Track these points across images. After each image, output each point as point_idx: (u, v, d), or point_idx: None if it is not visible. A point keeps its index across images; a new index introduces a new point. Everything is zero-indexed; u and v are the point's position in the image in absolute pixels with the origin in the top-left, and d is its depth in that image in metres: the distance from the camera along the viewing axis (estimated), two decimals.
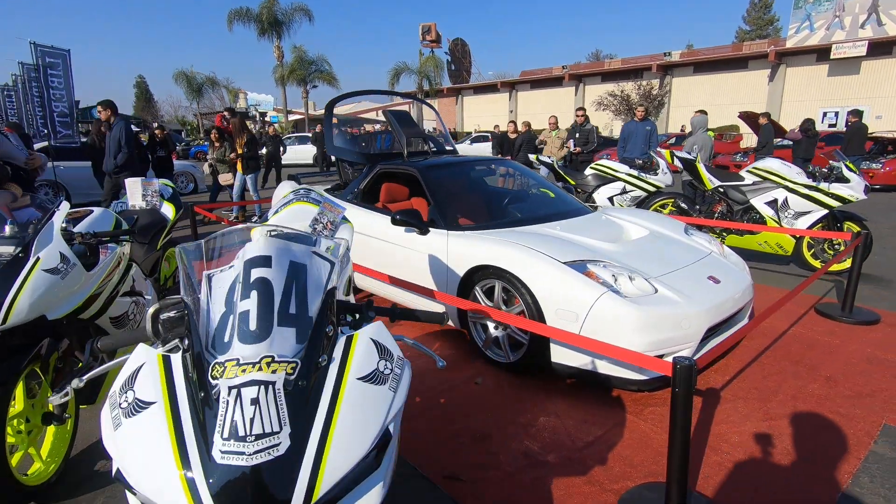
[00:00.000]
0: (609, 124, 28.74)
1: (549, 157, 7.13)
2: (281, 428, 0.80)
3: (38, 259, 1.93)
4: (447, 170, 4.09)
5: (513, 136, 10.99)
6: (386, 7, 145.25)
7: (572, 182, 6.64)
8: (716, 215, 5.16)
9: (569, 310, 2.67)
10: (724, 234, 5.10)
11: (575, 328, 2.65)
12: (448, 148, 5.35)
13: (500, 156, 10.29)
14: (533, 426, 2.49)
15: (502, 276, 2.93)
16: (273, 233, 1.00)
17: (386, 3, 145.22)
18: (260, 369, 0.82)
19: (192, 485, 0.76)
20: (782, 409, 2.59)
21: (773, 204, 4.87)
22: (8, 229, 2.11)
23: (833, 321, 3.73)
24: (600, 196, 6.39)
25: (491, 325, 3.11)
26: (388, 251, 3.80)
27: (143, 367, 0.89)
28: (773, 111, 24.45)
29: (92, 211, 2.54)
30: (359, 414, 0.87)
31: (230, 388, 0.81)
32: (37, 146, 9.94)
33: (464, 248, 3.21)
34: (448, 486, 2.08)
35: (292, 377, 0.85)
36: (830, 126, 22.16)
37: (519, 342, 2.96)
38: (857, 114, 9.92)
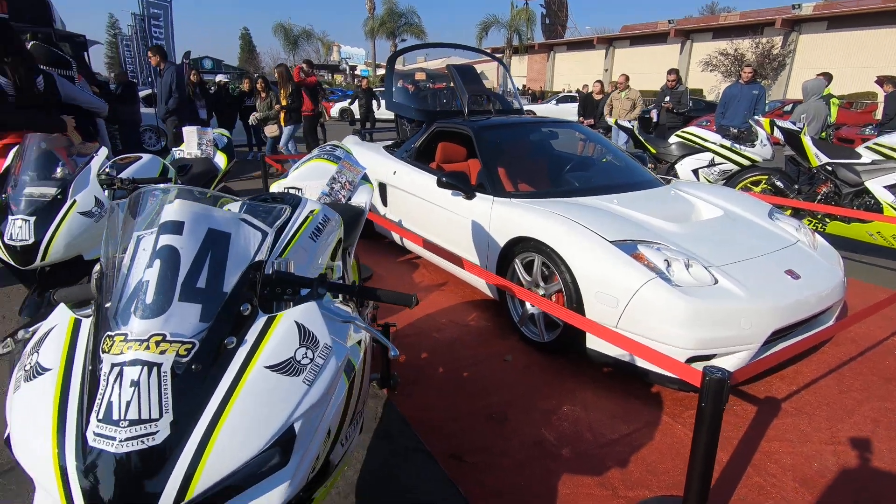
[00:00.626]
0: (716, 87, 25.93)
1: (630, 122, 6.52)
2: (161, 415, 0.73)
3: (74, 202, 2.02)
4: (504, 131, 3.84)
5: (598, 96, 10.23)
6: None
7: (653, 150, 6.04)
8: (819, 197, 4.44)
9: (609, 294, 2.41)
10: (827, 220, 4.39)
11: (614, 315, 2.40)
12: (516, 107, 5.04)
13: (582, 118, 9.63)
14: (554, 414, 2.32)
15: (542, 251, 2.71)
16: (200, 195, 0.90)
17: None
18: (147, 348, 0.75)
19: (62, 465, 0.71)
20: (855, 433, 2.20)
21: (894, 188, 4.10)
22: (59, 171, 2.24)
23: None
24: (683, 168, 5.77)
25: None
26: (434, 214, 3.68)
27: (54, 329, 0.86)
28: None
29: (141, 157, 2.64)
30: (258, 407, 0.78)
31: (112, 366, 0.74)
32: (142, 94, 10.82)
33: (507, 217, 3.00)
34: (450, 465, 2.00)
35: (185, 359, 0.77)
36: None
37: (555, 322, 2.76)
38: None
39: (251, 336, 0.84)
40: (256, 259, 0.90)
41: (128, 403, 0.72)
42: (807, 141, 4.47)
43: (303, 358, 0.84)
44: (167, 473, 0.71)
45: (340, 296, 1.25)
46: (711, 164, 5.59)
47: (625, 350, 2.40)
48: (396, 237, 4.34)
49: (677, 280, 2.38)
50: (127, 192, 2.37)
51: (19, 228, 1.96)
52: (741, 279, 2.42)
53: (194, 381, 0.77)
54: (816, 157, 4.44)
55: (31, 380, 0.80)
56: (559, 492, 1.88)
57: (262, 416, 0.77)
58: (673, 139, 5.94)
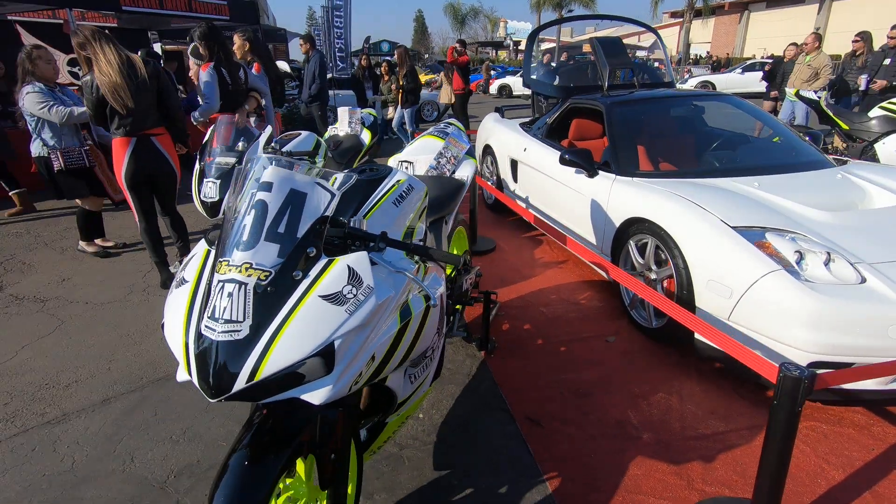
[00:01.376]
0: None
1: (817, 93, 5.51)
2: (244, 319, 1.01)
3: None
4: (638, 106, 3.64)
5: (788, 59, 8.75)
6: None
7: (845, 126, 5.06)
8: None
9: (723, 283, 2.24)
10: None
11: (727, 307, 2.23)
12: (666, 80, 4.68)
13: (768, 89, 8.35)
14: (644, 399, 2.27)
15: (656, 233, 2.60)
16: (279, 162, 1.15)
17: None
18: (240, 272, 1.04)
19: (187, 344, 1.05)
20: None
21: None
22: (240, 145, 2.84)
23: None
24: (886, 147, 4.74)
25: None
26: (558, 191, 3.70)
27: (195, 255, 1.21)
28: None
29: (300, 134, 3.17)
30: (309, 324, 1.02)
31: (219, 282, 1.05)
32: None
33: (624, 197, 2.91)
34: (526, 426, 2.13)
35: (264, 283, 1.04)
36: None
37: None
38: None
39: (313, 272, 1.09)
40: (324, 214, 1.14)
41: (224, 308, 1.02)
42: None
43: (348, 293, 1.07)
44: (244, 359, 1.00)
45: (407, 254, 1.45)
46: None
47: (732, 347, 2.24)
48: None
49: (810, 275, 2.10)
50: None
51: (209, 188, 2.58)
52: None
53: (269, 299, 1.04)
54: None
55: (178, 288, 1.16)
56: (629, 471, 1.88)
57: (311, 330, 1.02)
58: (875, 112, 4.90)
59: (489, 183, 5.31)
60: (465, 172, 2.29)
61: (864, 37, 6.67)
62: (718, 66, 25.52)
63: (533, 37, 4.65)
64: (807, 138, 3.50)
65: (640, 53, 6.79)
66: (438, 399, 2.32)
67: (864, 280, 2.06)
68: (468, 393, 2.37)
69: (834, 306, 1.97)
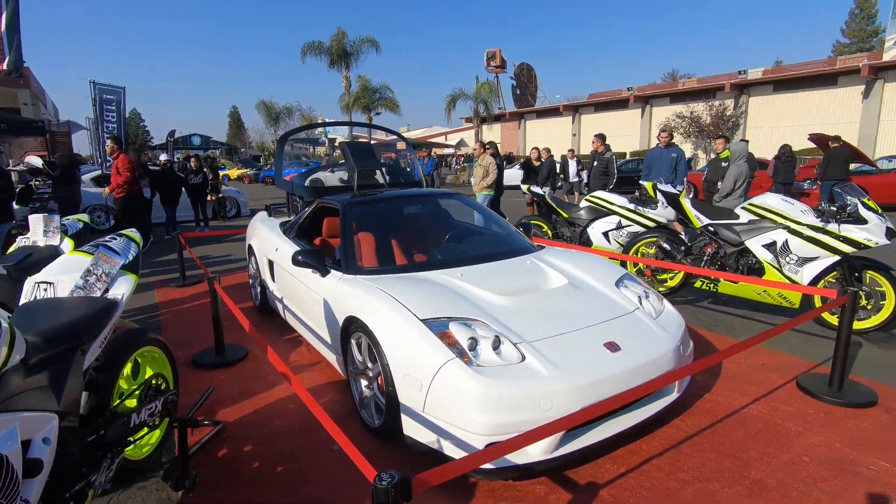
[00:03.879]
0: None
1: (542, 188, 6.65)
2: None
3: None
4: (371, 205, 3.86)
5: (537, 162, 10.56)
6: (455, 33, 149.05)
7: (565, 215, 6.11)
8: (706, 257, 4.45)
9: (414, 376, 2.31)
10: (717, 280, 4.38)
11: (420, 400, 2.28)
12: (417, 178, 5.13)
13: (524, 183, 9.85)
14: None
15: (365, 329, 2.62)
16: None
17: (455, 29, 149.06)
18: None
19: None
20: None
21: (771, 247, 4.12)
22: None
23: (813, 398, 3.00)
24: (594, 231, 5.82)
25: (363, 382, 2.79)
26: (299, 290, 3.62)
27: None
28: (869, 131, 21.77)
29: None
30: None
31: None
32: (92, 174, 10.97)
33: (346, 294, 2.94)
34: None
35: None
36: None
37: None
38: (836, 139, 10.29)
39: None
40: None
41: None
42: (686, 204, 4.54)
43: None
44: None
45: None
46: (619, 226, 5.65)
47: (431, 436, 2.28)
48: (281, 313, 4.26)
49: (483, 360, 2.29)
50: None
51: None
52: (551, 356, 2.33)
53: None
54: (698, 219, 4.49)
55: None
56: None
57: None
58: (582, 203, 6.03)
59: (253, 283, 5.05)
60: (119, 290, 2.04)
61: (600, 138, 8.38)
62: (507, 161, 29.92)
63: (283, 140, 4.76)
64: (519, 229, 4.07)
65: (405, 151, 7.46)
66: None
67: (523, 358, 2.31)
68: None
69: (497, 388, 2.15)
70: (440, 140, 49.25)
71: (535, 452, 2.16)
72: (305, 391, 1.97)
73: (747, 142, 6.97)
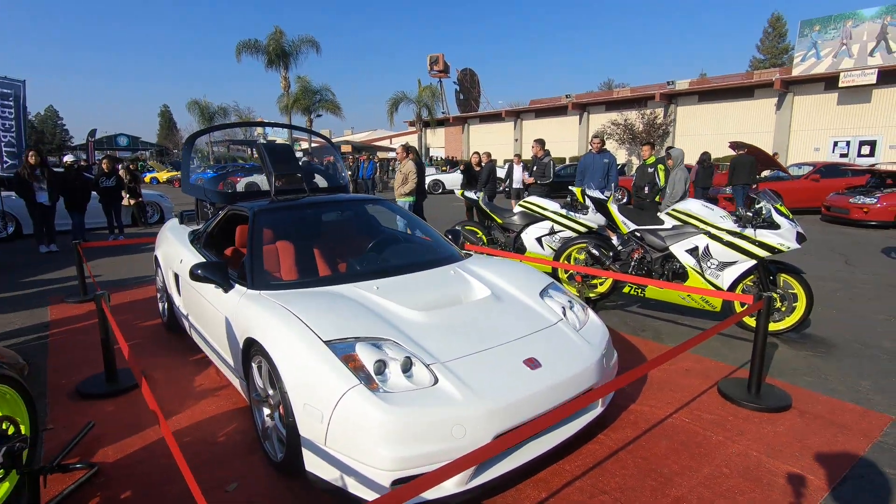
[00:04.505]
0: (613, 153, 28.06)
1: (476, 193, 6.55)
2: None
3: None
4: (285, 213, 3.56)
5: (477, 167, 10.51)
6: (398, 37, 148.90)
7: (499, 220, 6.04)
8: (633, 262, 4.48)
9: (315, 406, 2.06)
10: (640, 286, 4.41)
11: (321, 432, 2.04)
12: (342, 183, 4.85)
13: (463, 188, 9.73)
14: None
15: (265, 353, 2.34)
16: None
17: (398, 33, 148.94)
18: None
19: None
20: None
21: (694, 252, 4.18)
22: None
23: (733, 405, 3.01)
24: (528, 236, 5.76)
25: (266, 411, 2.50)
26: (202, 306, 3.27)
27: None
28: (782, 140, 23.51)
29: None
30: None
31: None
32: None
33: (246, 313, 2.64)
34: None
35: None
36: (842, 156, 21.13)
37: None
38: (741, 146, 10.99)
39: None
40: None
41: None
42: (613, 209, 4.56)
43: None
44: None
45: None
46: (552, 231, 5.62)
47: (335, 472, 2.04)
48: (188, 331, 3.87)
49: (392, 384, 2.08)
50: None
51: None
52: (465, 377, 2.15)
53: None
54: (625, 225, 4.52)
55: None
56: None
57: None
58: (516, 209, 5.98)
59: (161, 298, 4.60)
60: None
61: (540, 143, 8.40)
62: (450, 165, 29.95)
63: (191, 142, 4.36)
64: (449, 236, 3.90)
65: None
66: None
67: (436, 381, 2.12)
68: None
69: (404, 416, 1.94)
70: (385, 143, 48.74)
71: (449, 486, 1.98)
72: (171, 436, 1.67)
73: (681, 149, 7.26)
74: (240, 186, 4.73)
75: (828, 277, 6.17)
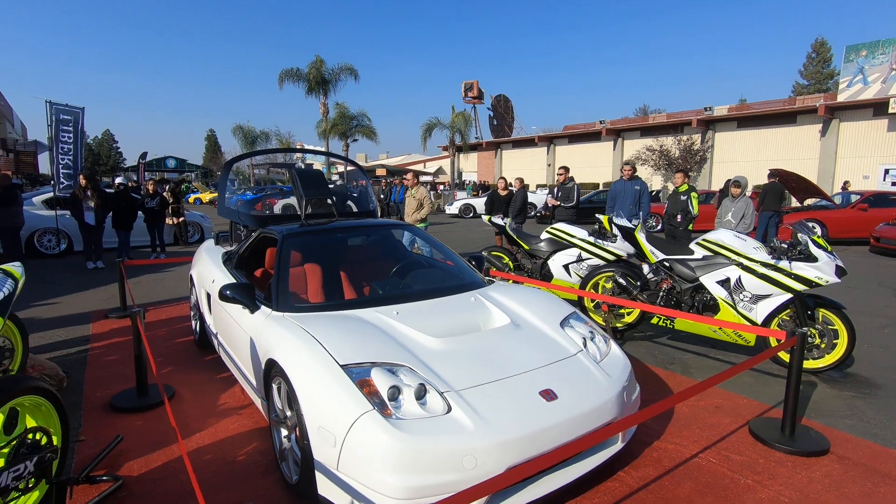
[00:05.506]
0: (648, 179, 27.70)
1: (503, 219, 6.56)
2: None
3: None
4: (312, 237, 3.65)
5: (503, 192, 10.52)
6: (435, 66, 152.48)
7: (525, 246, 6.01)
8: (661, 293, 4.36)
9: (329, 430, 2.09)
10: (669, 317, 4.28)
11: (334, 456, 2.06)
12: (371, 208, 4.96)
13: (486, 213, 9.70)
14: None
15: (283, 375, 2.39)
16: None
17: (436, 62, 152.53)
18: None
19: None
20: None
21: (725, 283, 4.05)
22: None
23: (765, 446, 2.86)
24: (555, 263, 5.71)
25: (283, 432, 2.54)
26: (230, 326, 3.37)
27: None
28: (828, 167, 22.66)
29: None
30: None
31: None
32: (44, 196, 10.55)
33: (270, 333, 2.71)
34: None
35: None
36: (893, 184, 20.15)
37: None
38: (775, 174, 10.87)
39: None
40: None
41: None
42: (641, 238, 4.48)
43: None
44: None
45: None
46: (580, 259, 5.56)
47: (345, 498, 2.05)
48: (217, 350, 3.99)
49: (405, 411, 2.08)
50: None
51: None
52: (479, 406, 2.14)
53: None
54: (653, 254, 4.43)
55: None
56: None
57: None
58: (543, 235, 5.95)
59: (193, 316, 4.76)
60: None
61: (565, 169, 8.41)
62: (483, 189, 30.10)
63: (228, 167, 4.56)
64: (472, 262, 3.91)
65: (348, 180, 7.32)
66: None
67: (449, 410, 2.12)
68: None
69: (415, 444, 1.94)
70: (419, 168, 49.59)
71: None
72: (186, 455, 1.72)
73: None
74: (277, 208, 4.92)
75: (875, 313, 5.84)
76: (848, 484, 2.50)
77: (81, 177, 8.47)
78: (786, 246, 3.86)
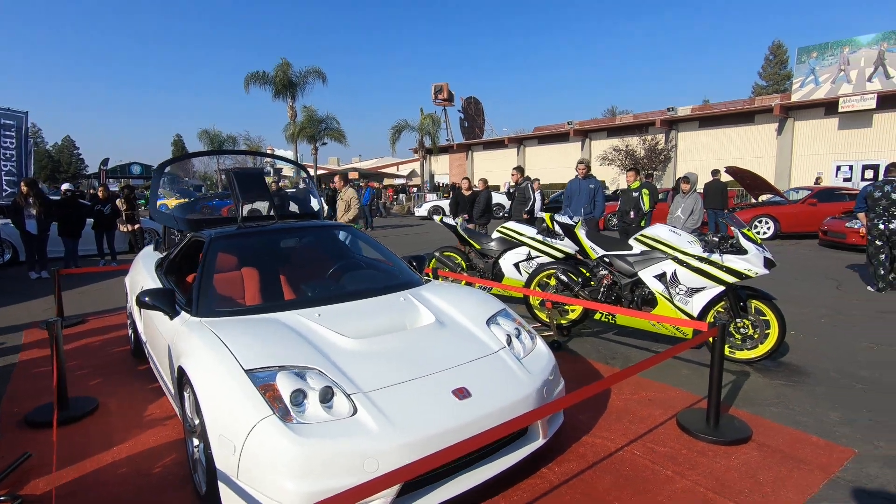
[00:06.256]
0: (616, 179, 28.20)
1: (454, 219, 6.54)
2: None
3: None
4: (240, 240, 3.56)
5: (467, 193, 10.52)
6: (404, 66, 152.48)
7: (477, 246, 6.01)
8: (602, 288, 4.40)
9: (228, 437, 2.01)
10: (611, 313, 4.32)
11: (233, 465, 1.98)
12: (314, 210, 4.86)
13: (451, 214, 9.66)
14: None
15: (190, 382, 2.30)
16: None
17: (407, 65, 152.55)
18: None
19: None
20: None
21: (662, 278, 4.11)
22: None
23: (690, 437, 2.89)
24: (506, 262, 5.71)
25: (195, 442, 2.44)
26: (154, 333, 3.25)
27: None
28: (784, 164, 23.45)
29: None
30: None
31: None
32: None
33: (182, 340, 2.61)
34: None
35: None
36: (845, 180, 20.96)
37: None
38: (715, 172, 11.40)
39: None
40: None
41: None
42: (581, 235, 4.52)
43: None
44: None
45: None
46: (529, 257, 5.58)
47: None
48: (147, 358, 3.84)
49: (308, 416, 2.02)
50: None
51: None
52: (387, 407, 2.09)
53: None
54: (593, 250, 4.47)
55: None
56: None
57: None
58: (494, 234, 5.95)
59: (129, 324, 4.60)
60: None
61: (519, 170, 8.45)
62: (452, 190, 30.17)
63: (161, 170, 4.42)
64: (413, 262, 3.86)
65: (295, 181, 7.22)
66: None
67: (355, 412, 2.06)
68: None
69: (317, 449, 1.88)
70: (392, 171, 49.31)
71: None
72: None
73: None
74: (245, 211, 4.75)
75: (816, 303, 6.02)
76: (763, 470, 2.54)
77: (23, 183, 8.12)
78: (717, 239, 3.93)
